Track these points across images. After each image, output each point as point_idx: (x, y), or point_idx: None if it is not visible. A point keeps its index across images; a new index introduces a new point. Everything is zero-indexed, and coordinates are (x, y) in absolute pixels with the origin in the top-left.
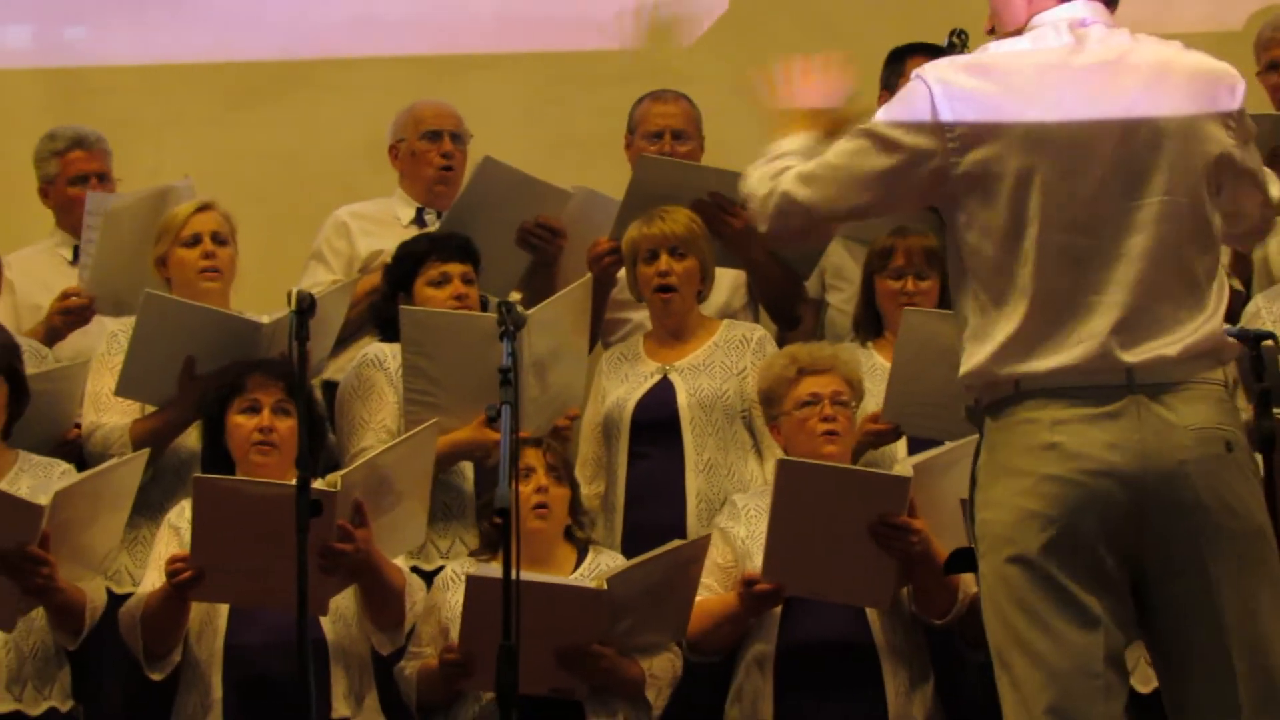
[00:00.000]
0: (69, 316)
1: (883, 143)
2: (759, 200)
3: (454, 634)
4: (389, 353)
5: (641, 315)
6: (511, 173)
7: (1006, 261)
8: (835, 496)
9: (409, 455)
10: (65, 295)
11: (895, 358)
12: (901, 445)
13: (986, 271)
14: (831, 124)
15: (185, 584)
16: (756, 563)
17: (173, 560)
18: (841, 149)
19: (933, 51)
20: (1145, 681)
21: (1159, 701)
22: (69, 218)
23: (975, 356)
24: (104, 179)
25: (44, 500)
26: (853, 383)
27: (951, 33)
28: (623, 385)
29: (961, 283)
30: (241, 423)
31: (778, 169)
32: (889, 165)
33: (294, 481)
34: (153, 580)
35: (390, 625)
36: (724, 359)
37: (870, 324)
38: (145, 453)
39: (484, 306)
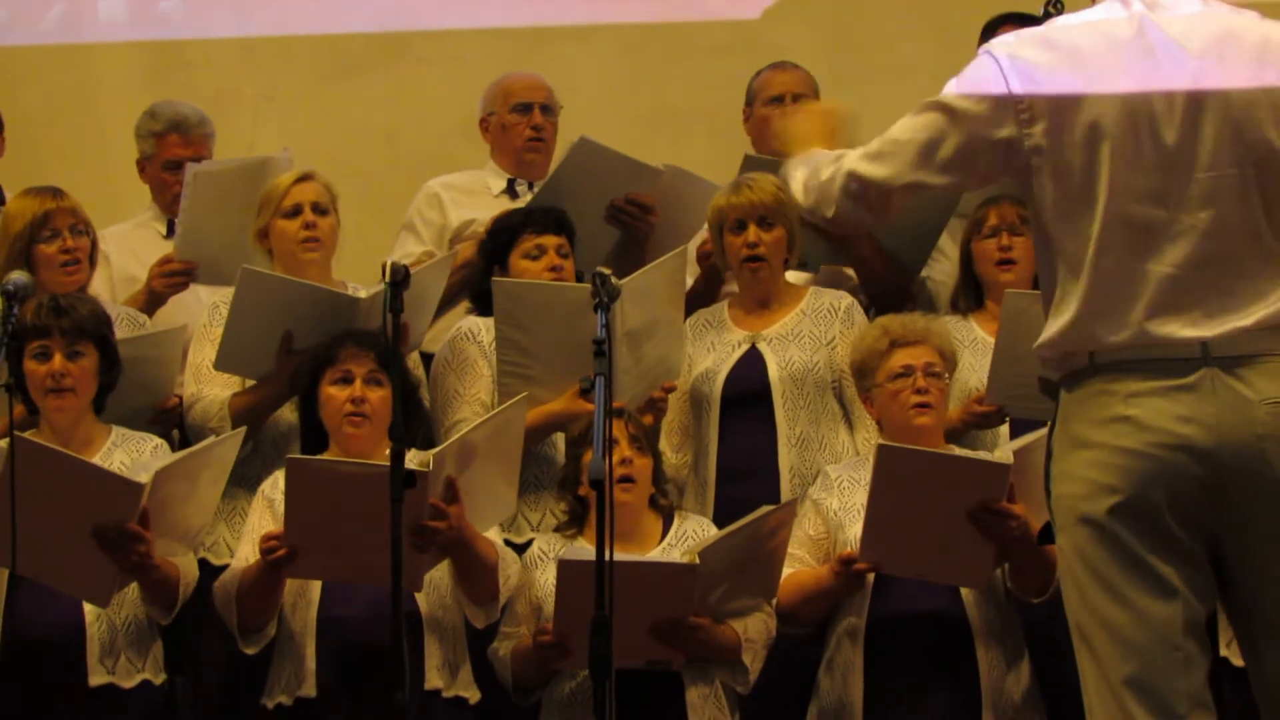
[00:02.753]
0: (170, 279)
1: (953, 114)
2: (820, 184)
3: (546, 612)
4: (483, 326)
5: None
6: (605, 152)
7: (1079, 233)
8: (935, 481)
9: (499, 430)
10: (164, 261)
11: (998, 340)
12: (1005, 425)
13: (1061, 243)
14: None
15: (279, 562)
16: (849, 534)
17: (266, 538)
18: (910, 124)
19: (1028, 22)
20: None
21: None
22: (163, 197)
23: (1051, 328)
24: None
25: (144, 478)
26: (945, 354)
27: (1047, 2)
28: (710, 355)
29: (1042, 255)
30: (334, 394)
31: (832, 156)
32: (961, 137)
33: (387, 455)
34: (246, 554)
35: (485, 599)
36: (812, 328)
37: (971, 295)
38: (242, 431)
39: (579, 280)
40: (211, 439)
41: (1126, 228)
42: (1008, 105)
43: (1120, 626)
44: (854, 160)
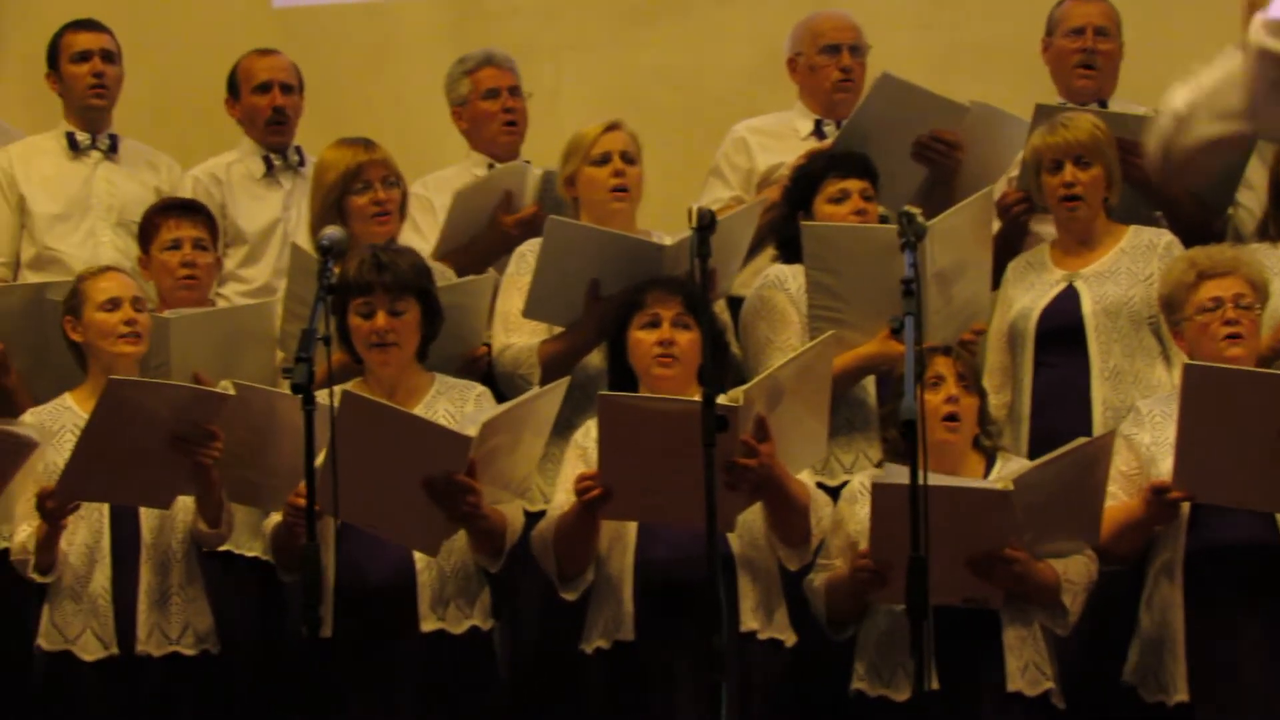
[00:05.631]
0: (523, 228)
1: (1262, 54)
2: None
3: (862, 547)
4: (789, 274)
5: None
6: (909, 88)
7: None
8: (1244, 400)
9: (808, 369)
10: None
11: None
12: None
13: None
14: None
15: (594, 502)
16: (1161, 469)
17: (581, 478)
18: (1218, 70)
19: None
20: None
21: None
22: (481, 135)
23: None
24: (515, 92)
25: (471, 431)
26: (1256, 284)
27: None
28: (1028, 294)
29: None
30: (642, 338)
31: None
32: (1272, 75)
33: (696, 395)
34: (560, 502)
35: (797, 541)
36: (1130, 265)
37: None
38: (565, 381)
39: (883, 222)
40: (535, 390)
41: None
42: None
43: None
44: (1180, 112)
